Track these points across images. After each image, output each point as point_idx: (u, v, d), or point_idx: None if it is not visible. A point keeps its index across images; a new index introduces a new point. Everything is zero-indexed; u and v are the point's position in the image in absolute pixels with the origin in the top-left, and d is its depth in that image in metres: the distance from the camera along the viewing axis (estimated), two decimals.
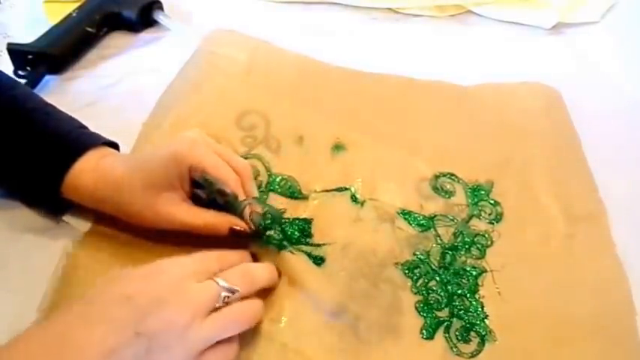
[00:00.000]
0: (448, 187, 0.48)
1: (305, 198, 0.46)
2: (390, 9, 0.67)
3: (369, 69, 0.58)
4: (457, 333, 0.40)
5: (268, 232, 0.41)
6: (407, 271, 0.43)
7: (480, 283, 0.43)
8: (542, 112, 0.55)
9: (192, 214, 0.40)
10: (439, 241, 0.45)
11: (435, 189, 0.48)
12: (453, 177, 0.49)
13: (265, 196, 0.46)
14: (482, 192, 0.48)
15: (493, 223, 0.46)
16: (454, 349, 0.39)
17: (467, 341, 0.40)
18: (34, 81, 0.53)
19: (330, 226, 0.44)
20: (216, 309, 0.34)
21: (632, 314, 0.41)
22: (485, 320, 0.41)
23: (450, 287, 0.42)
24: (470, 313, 0.41)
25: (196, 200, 0.41)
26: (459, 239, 0.45)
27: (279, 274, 0.40)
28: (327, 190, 0.47)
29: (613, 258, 0.44)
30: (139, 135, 0.50)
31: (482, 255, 0.44)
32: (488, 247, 0.45)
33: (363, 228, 0.45)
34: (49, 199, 0.41)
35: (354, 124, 0.52)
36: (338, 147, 0.50)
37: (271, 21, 0.64)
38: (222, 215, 0.40)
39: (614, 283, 0.43)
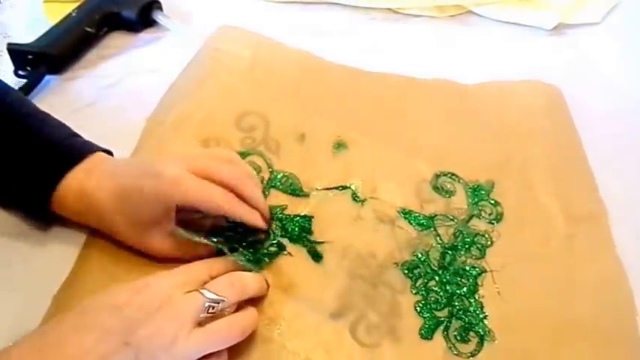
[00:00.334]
0: (448, 186, 0.48)
1: (306, 195, 0.46)
2: (389, 9, 0.67)
3: (369, 69, 0.58)
4: (456, 333, 0.40)
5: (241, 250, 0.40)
6: (406, 272, 0.42)
7: (479, 283, 0.42)
8: (542, 110, 0.55)
9: (176, 250, 0.40)
10: (439, 241, 0.45)
11: (436, 188, 0.48)
12: (453, 176, 0.49)
13: (267, 193, 0.46)
14: (483, 192, 0.48)
15: (493, 223, 0.46)
16: (453, 349, 0.39)
17: (466, 341, 0.39)
18: (34, 81, 0.53)
19: (330, 224, 0.44)
20: (207, 318, 0.34)
21: (632, 314, 0.41)
22: (485, 320, 0.41)
23: (449, 287, 0.42)
24: (469, 313, 0.41)
25: (187, 223, 0.40)
26: (458, 239, 0.45)
27: (267, 285, 0.40)
28: (328, 188, 0.47)
29: (613, 258, 0.44)
30: (142, 130, 0.50)
31: (482, 255, 0.44)
32: (488, 247, 0.45)
33: (363, 227, 0.45)
34: (39, 212, 0.41)
35: (354, 123, 0.52)
36: (339, 145, 0.50)
37: (271, 21, 0.64)
38: (205, 246, 0.40)
39: (614, 284, 0.43)
